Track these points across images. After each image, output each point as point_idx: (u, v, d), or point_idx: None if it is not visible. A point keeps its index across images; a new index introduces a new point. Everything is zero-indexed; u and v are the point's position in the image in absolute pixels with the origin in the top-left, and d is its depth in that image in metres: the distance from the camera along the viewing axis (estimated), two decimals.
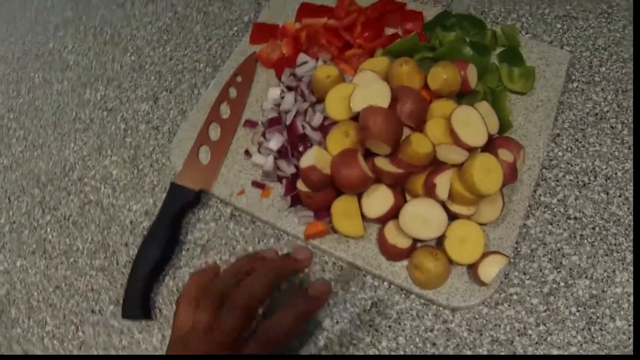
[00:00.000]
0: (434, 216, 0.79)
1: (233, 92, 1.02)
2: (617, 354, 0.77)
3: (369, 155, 0.84)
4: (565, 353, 0.77)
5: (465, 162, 0.80)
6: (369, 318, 0.82)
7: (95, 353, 0.84)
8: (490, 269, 0.79)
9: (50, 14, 1.29)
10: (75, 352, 0.84)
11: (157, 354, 0.82)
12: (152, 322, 0.85)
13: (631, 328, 0.78)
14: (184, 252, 0.90)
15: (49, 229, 0.96)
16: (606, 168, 0.92)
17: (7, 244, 0.96)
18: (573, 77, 1.02)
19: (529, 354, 0.77)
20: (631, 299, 0.80)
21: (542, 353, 0.77)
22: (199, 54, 1.14)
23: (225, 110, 1.00)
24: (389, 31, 1.07)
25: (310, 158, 0.81)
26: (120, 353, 0.83)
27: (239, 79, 1.04)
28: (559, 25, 1.10)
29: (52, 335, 0.86)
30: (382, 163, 0.81)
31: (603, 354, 0.77)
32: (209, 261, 0.88)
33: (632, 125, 0.96)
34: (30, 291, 0.90)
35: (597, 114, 0.98)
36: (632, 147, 0.93)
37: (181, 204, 0.90)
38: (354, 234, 0.83)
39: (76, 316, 0.87)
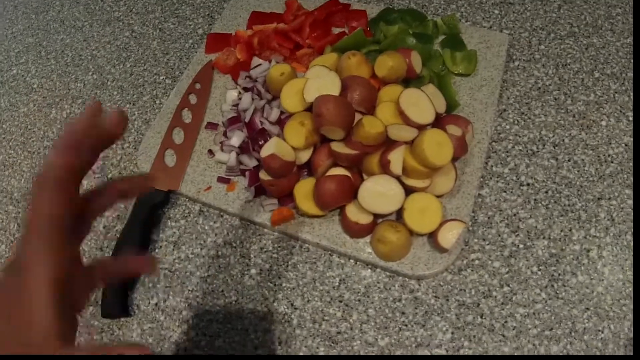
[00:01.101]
0: (391, 191, 0.84)
1: (193, 98, 1.06)
2: (583, 308, 0.81)
3: (325, 141, 0.88)
4: (531, 311, 0.81)
5: (415, 138, 0.84)
6: (339, 294, 0.85)
7: (77, 352, 0.85)
8: (449, 235, 0.83)
9: (12, 42, 1.32)
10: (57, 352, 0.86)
11: None
12: (131, 318, 0.88)
13: (593, 281, 0.83)
14: (157, 250, 0.93)
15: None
16: (553, 136, 0.97)
17: None
18: (514, 57, 1.08)
19: (495, 314, 0.82)
20: (590, 254, 0.85)
21: (508, 312, 0.81)
22: (158, 67, 1.18)
23: (187, 115, 1.04)
24: (336, 31, 1.12)
25: (271, 147, 0.85)
26: None
27: (197, 85, 1.08)
28: (497, 12, 1.16)
29: None
30: (338, 147, 0.86)
31: (568, 308, 0.81)
32: (182, 256, 0.92)
33: (574, 95, 1.01)
34: None
35: (539, 87, 1.03)
36: (576, 116, 0.99)
37: (151, 205, 0.93)
38: (317, 213, 0.88)
39: None
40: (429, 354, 0.80)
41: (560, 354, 0.78)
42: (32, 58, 1.27)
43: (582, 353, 0.78)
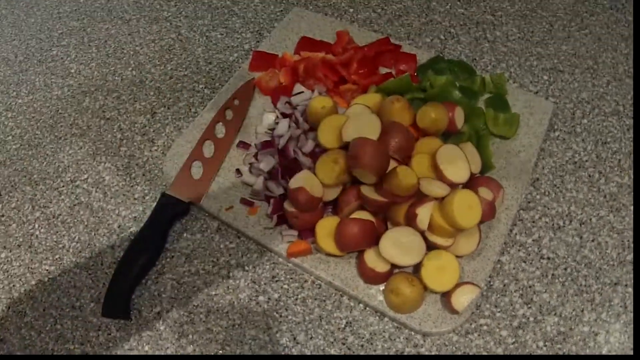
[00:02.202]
0: (413, 244, 0.83)
1: (229, 114, 1.06)
2: None
3: (355, 182, 0.87)
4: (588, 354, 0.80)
5: (446, 196, 0.83)
6: (343, 336, 0.84)
7: (71, 346, 0.85)
8: (462, 298, 0.81)
9: (56, 22, 1.32)
10: (51, 344, 0.85)
11: (133, 353, 0.84)
12: (131, 322, 0.87)
13: None
14: (168, 259, 0.92)
15: (37, 225, 0.98)
16: (581, 214, 0.96)
17: None
18: (555, 127, 1.07)
19: None
20: (598, 338, 0.83)
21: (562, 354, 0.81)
22: (198, 75, 1.18)
23: (220, 130, 1.04)
24: (383, 70, 1.12)
25: (300, 180, 0.84)
26: (96, 348, 0.85)
27: (236, 102, 1.07)
28: (545, 77, 1.15)
29: (30, 326, 0.87)
30: (368, 191, 0.85)
31: None
32: (192, 270, 0.91)
33: (609, 175, 1.00)
34: (13, 282, 0.92)
35: (575, 162, 1.02)
36: (607, 196, 0.97)
37: (171, 214, 0.93)
38: (335, 252, 0.87)
39: (56, 310, 0.89)
40: None
41: None
42: (73, 42, 1.27)
43: None
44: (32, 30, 1.31)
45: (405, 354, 0.82)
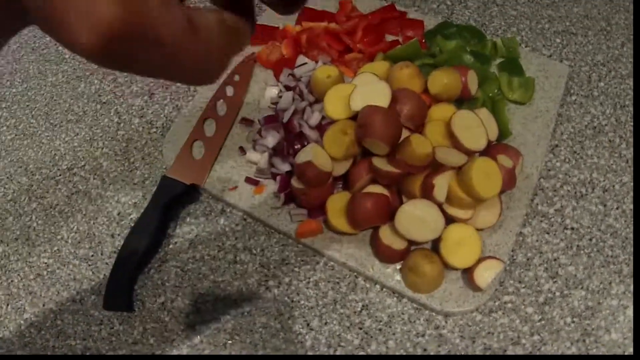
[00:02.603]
0: (431, 218, 0.78)
1: (230, 90, 1.01)
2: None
3: (366, 154, 0.83)
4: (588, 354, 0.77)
5: (464, 165, 0.79)
6: (359, 320, 0.80)
7: (73, 342, 0.81)
8: (486, 274, 0.77)
9: None
10: (52, 341, 0.82)
11: (137, 347, 0.80)
12: (134, 314, 0.83)
13: (626, 341, 0.77)
14: (171, 246, 0.88)
15: (34, 217, 0.94)
16: (604, 180, 0.92)
17: None
18: (572, 91, 1.03)
19: None
20: (627, 311, 0.80)
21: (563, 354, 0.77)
22: None
23: (221, 108, 0.99)
24: (389, 38, 1.07)
25: (308, 154, 0.79)
26: (99, 343, 0.81)
27: (236, 77, 1.03)
28: (558, 40, 1.11)
29: (29, 323, 0.83)
30: (380, 163, 0.80)
31: None
32: (197, 256, 0.86)
33: (630, 139, 0.95)
34: (11, 277, 0.88)
35: (595, 127, 0.98)
36: (629, 161, 0.93)
37: (171, 197, 0.88)
38: (348, 230, 0.82)
39: (56, 305, 0.85)
40: None
41: None
42: None
43: None
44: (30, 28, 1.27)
45: (426, 336, 0.78)
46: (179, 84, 1.06)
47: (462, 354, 0.77)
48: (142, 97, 1.07)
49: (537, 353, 0.77)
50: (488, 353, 0.77)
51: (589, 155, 0.95)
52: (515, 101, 0.97)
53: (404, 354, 0.77)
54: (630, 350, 0.77)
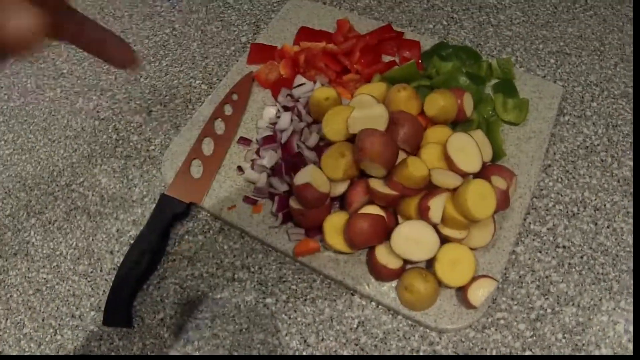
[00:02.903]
0: (426, 238, 0.79)
1: (228, 109, 1.02)
2: None
3: (363, 176, 0.84)
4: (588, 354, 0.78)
5: (459, 187, 0.80)
6: (355, 337, 0.81)
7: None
8: (479, 292, 0.78)
9: None
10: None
11: None
12: (134, 330, 0.83)
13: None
14: (170, 263, 0.89)
15: (32, 232, 0.94)
16: (595, 199, 0.93)
17: None
18: (565, 111, 1.04)
19: None
20: (617, 327, 0.81)
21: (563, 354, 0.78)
22: (195, 71, 1.14)
23: (219, 127, 1.00)
24: (386, 59, 1.08)
25: (306, 176, 0.81)
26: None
27: (234, 96, 1.04)
28: (552, 61, 1.12)
29: (29, 338, 0.84)
30: (377, 184, 0.82)
31: None
32: (195, 273, 0.87)
33: (622, 159, 0.97)
34: (10, 292, 0.89)
35: (587, 147, 0.99)
36: (621, 181, 0.95)
37: (171, 216, 0.89)
38: (344, 249, 0.83)
39: (55, 320, 0.86)
40: None
41: None
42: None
43: None
44: None
45: (421, 352, 0.79)
46: (177, 102, 1.07)
47: None
48: (140, 114, 1.07)
49: None
50: None
51: (581, 175, 0.96)
52: (509, 122, 0.98)
53: None
54: None
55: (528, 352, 0.79)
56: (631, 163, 0.97)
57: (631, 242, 0.88)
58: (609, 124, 1.02)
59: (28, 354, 0.83)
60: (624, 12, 1.21)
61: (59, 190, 0.99)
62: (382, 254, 0.81)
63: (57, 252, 0.92)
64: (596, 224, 0.91)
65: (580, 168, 0.97)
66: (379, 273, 0.82)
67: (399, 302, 0.82)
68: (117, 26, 1.25)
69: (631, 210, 0.92)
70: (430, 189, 0.81)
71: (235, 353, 0.80)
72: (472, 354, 0.79)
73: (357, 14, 1.21)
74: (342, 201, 0.87)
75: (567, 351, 0.79)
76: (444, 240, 0.81)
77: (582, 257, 0.87)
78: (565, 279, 0.85)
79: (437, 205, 0.79)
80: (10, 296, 0.88)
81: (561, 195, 0.94)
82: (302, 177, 0.81)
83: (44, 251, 0.92)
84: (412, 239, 0.79)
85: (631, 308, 0.82)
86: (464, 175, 0.82)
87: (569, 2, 1.23)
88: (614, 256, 0.87)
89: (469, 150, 0.83)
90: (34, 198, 0.99)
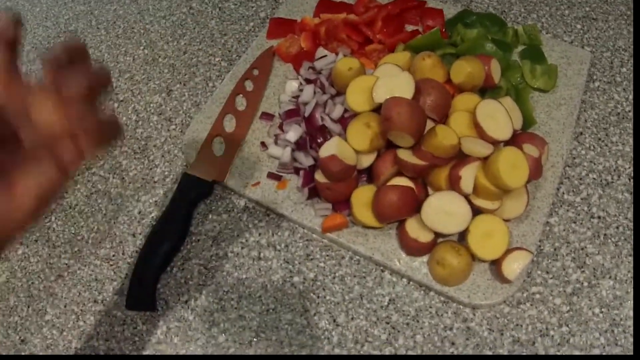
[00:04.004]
0: (458, 210, 0.77)
1: (249, 85, 1.00)
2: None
3: (391, 146, 0.82)
4: (588, 354, 0.76)
5: (490, 155, 0.78)
6: (386, 315, 0.79)
7: (95, 343, 0.81)
8: (514, 266, 0.76)
9: (62, 9, 1.26)
10: (74, 342, 0.81)
11: (161, 346, 0.80)
12: (157, 314, 0.82)
13: None
14: (194, 244, 0.87)
15: (53, 218, 0.93)
16: (629, 168, 0.90)
17: None
18: (595, 77, 1.01)
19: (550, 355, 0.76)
20: None
21: (563, 355, 0.76)
22: (214, 48, 1.12)
23: (241, 103, 0.98)
24: (409, 28, 1.06)
25: (332, 148, 0.78)
26: (122, 344, 0.80)
27: (255, 72, 1.01)
28: (579, 26, 1.09)
29: (51, 325, 0.83)
30: (405, 155, 0.79)
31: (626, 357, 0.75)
32: (220, 253, 0.86)
33: None
34: (31, 279, 0.87)
35: (619, 113, 0.96)
36: None
37: (194, 195, 0.88)
38: (373, 224, 0.81)
39: (77, 306, 0.84)
40: None
41: None
42: (81, 27, 1.22)
43: None
44: (39, 19, 1.25)
45: (454, 330, 0.77)
46: (197, 80, 1.06)
47: (491, 347, 0.76)
48: (159, 94, 1.06)
49: (566, 345, 0.76)
50: (516, 346, 0.76)
51: (614, 142, 0.93)
52: (538, 89, 0.96)
53: (432, 347, 0.76)
54: None
55: (565, 328, 0.77)
56: None
57: None
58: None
59: (50, 341, 0.82)
60: None
61: (79, 174, 0.97)
62: (412, 228, 0.79)
63: (79, 237, 0.90)
64: (631, 193, 0.88)
65: (612, 135, 0.94)
66: (410, 247, 0.80)
67: (431, 278, 0.79)
68: (134, 7, 1.23)
69: None
70: (460, 158, 0.79)
71: (262, 334, 0.79)
72: (507, 330, 0.77)
73: None
74: (370, 174, 0.85)
75: (604, 326, 0.77)
76: (476, 211, 0.79)
77: (617, 228, 0.85)
78: (601, 250, 0.83)
79: (468, 175, 0.77)
80: (32, 283, 0.87)
81: (594, 164, 0.91)
82: (328, 149, 0.78)
83: (65, 236, 0.91)
84: (443, 210, 0.77)
85: None
86: (495, 143, 0.80)
87: None
88: None
89: (498, 117, 0.80)
90: None
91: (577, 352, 0.75)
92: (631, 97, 0.98)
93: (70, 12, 1.25)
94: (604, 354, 0.75)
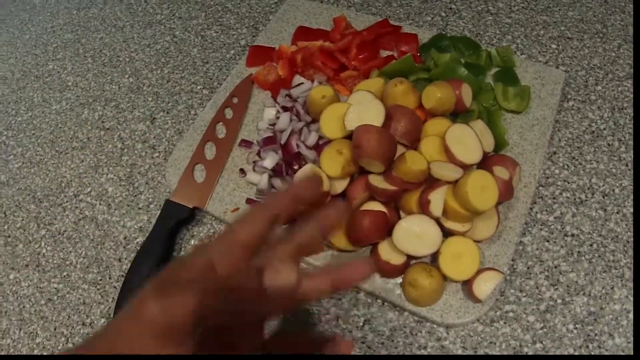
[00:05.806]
0: (428, 232, 0.79)
1: (229, 113, 1.03)
2: None
3: (363, 172, 0.84)
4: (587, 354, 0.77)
5: (459, 179, 0.79)
6: (362, 335, 0.81)
7: None
8: (485, 286, 0.78)
9: (50, 36, 1.30)
10: None
11: None
12: None
13: (630, 345, 0.77)
14: None
15: (43, 243, 0.96)
16: (603, 185, 0.92)
17: (1, 256, 0.96)
18: (569, 96, 1.03)
19: None
20: (630, 315, 0.80)
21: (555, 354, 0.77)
22: (196, 76, 1.14)
23: (221, 130, 1.01)
24: (385, 54, 1.08)
25: (305, 174, 0.80)
26: None
27: (235, 100, 1.04)
28: (554, 46, 1.11)
29: (42, 347, 0.85)
30: (376, 180, 0.81)
31: None
32: None
33: (629, 143, 0.96)
34: (22, 303, 0.90)
35: (593, 131, 0.98)
36: (629, 165, 0.93)
37: (175, 221, 0.90)
38: (347, 247, 0.83)
39: (67, 328, 0.87)
40: None
41: None
42: (69, 55, 1.25)
43: None
44: (28, 47, 1.29)
45: (429, 348, 0.79)
46: (180, 108, 1.08)
47: None
48: (144, 122, 1.08)
49: None
50: None
51: (588, 161, 0.95)
52: (511, 110, 0.98)
53: None
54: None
55: (539, 345, 0.78)
56: None
57: None
58: (614, 107, 1.01)
59: None
60: None
61: (67, 201, 1.00)
62: (384, 251, 0.81)
63: (67, 262, 0.93)
64: (605, 210, 0.89)
65: (586, 154, 0.95)
66: (383, 270, 0.81)
67: (405, 299, 0.81)
68: (120, 36, 1.26)
69: None
70: (430, 182, 0.81)
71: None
72: (481, 348, 0.78)
73: (354, 10, 1.20)
74: (343, 199, 0.87)
75: (579, 342, 0.78)
76: (448, 233, 0.81)
77: (591, 245, 0.86)
78: (575, 268, 0.84)
79: (437, 199, 0.78)
80: (23, 307, 0.89)
81: (568, 183, 0.92)
82: (302, 175, 0.81)
83: (55, 261, 0.93)
84: (413, 233, 0.79)
85: None
86: (465, 166, 0.82)
87: None
88: (625, 242, 0.86)
89: (468, 141, 0.82)
90: (43, 209, 1.00)
91: None
92: (606, 115, 0.99)
93: (58, 39, 1.28)
94: None
